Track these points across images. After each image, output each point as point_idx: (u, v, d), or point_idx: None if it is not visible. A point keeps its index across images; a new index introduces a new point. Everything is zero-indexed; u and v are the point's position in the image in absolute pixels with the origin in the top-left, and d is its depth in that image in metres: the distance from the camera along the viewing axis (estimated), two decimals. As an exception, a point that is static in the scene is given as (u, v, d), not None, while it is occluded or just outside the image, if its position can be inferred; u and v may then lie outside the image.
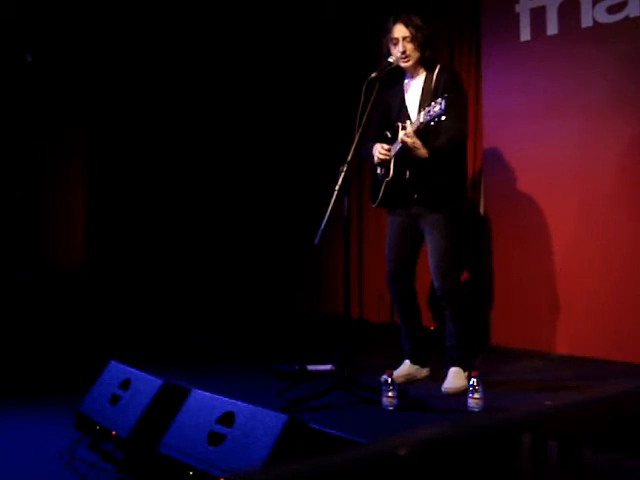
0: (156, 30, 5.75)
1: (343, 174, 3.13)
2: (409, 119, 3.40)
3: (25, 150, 5.36)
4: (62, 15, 5.33)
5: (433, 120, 3.00)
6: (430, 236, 3.38)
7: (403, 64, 3.39)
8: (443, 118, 2.97)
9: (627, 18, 3.99)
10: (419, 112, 3.30)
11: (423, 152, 3.21)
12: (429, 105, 3.02)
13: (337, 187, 3.11)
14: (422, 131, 3.18)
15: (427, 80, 3.40)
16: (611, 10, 4.05)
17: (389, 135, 3.45)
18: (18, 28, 5.20)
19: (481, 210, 4.70)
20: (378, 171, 3.51)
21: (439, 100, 2.95)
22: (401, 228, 3.50)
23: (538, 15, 4.38)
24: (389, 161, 3.39)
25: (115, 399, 3.28)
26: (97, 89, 5.61)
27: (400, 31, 3.37)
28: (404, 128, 3.26)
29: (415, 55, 3.38)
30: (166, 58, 5.85)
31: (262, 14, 5.98)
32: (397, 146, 3.30)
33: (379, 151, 3.39)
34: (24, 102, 5.31)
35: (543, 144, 4.35)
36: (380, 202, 3.50)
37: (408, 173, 3.34)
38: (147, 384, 3.21)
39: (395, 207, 3.50)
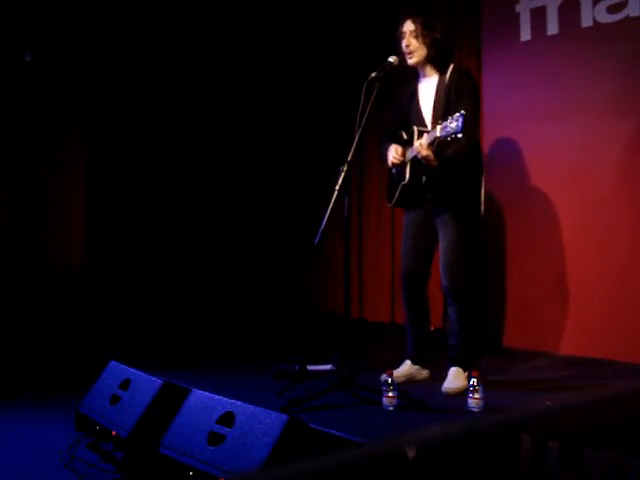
0: (155, 28, 5.75)
1: (343, 174, 3.13)
2: (423, 121, 3.41)
3: (25, 150, 5.36)
4: (62, 15, 5.33)
5: (449, 136, 3.00)
6: (442, 234, 3.40)
7: (408, 60, 3.39)
8: (460, 136, 2.96)
9: (627, 18, 3.98)
10: (433, 121, 3.31)
11: (434, 164, 3.24)
12: (446, 119, 3.01)
13: (337, 187, 3.11)
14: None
15: (440, 81, 3.41)
16: (611, 10, 4.05)
17: (405, 137, 3.47)
18: (18, 27, 5.20)
19: (481, 210, 4.70)
20: (393, 171, 3.54)
21: (456, 116, 2.93)
22: (416, 227, 3.52)
23: (538, 15, 4.37)
24: (404, 165, 3.41)
25: (115, 399, 3.28)
26: (97, 89, 5.61)
27: (407, 26, 3.40)
28: (421, 134, 3.27)
29: (420, 52, 3.38)
30: (165, 56, 5.85)
31: (261, 12, 5.98)
32: (413, 152, 3.32)
33: (393, 155, 3.43)
34: (24, 102, 5.31)
35: (543, 144, 4.35)
36: (396, 203, 3.55)
37: (424, 178, 3.36)
38: (147, 384, 3.21)
39: (411, 207, 3.54)
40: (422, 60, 3.41)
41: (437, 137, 3.09)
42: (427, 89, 3.46)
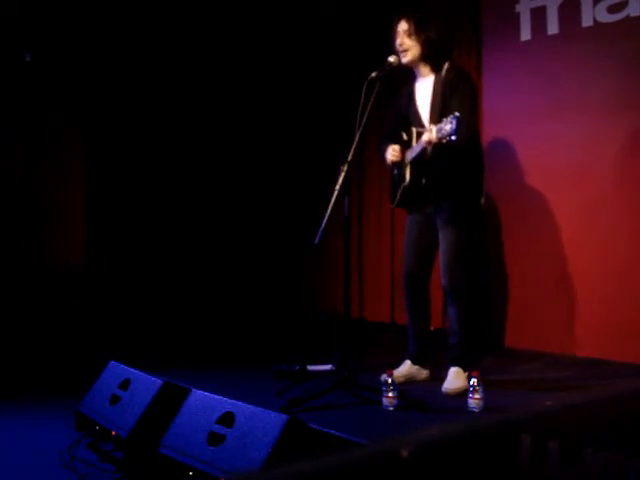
0: (155, 28, 5.75)
1: (343, 174, 3.14)
2: (421, 121, 3.42)
3: (25, 150, 5.35)
4: (62, 15, 5.33)
5: (445, 138, 2.99)
6: (441, 234, 3.41)
7: (402, 59, 3.40)
8: (453, 138, 2.95)
9: (627, 18, 3.98)
10: (431, 121, 3.32)
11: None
12: (441, 122, 3.02)
13: (337, 187, 3.11)
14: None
15: (436, 80, 3.40)
16: (611, 10, 4.05)
17: (405, 137, 3.47)
18: (18, 27, 5.20)
19: (482, 209, 4.70)
20: (395, 172, 3.54)
21: (450, 118, 2.93)
22: (418, 228, 3.53)
23: (538, 15, 4.37)
24: (405, 166, 3.41)
25: (115, 399, 3.28)
26: (97, 89, 5.61)
27: (400, 25, 3.41)
28: (420, 135, 3.28)
29: (414, 51, 3.38)
30: (165, 56, 5.85)
31: (261, 12, 5.98)
32: (413, 153, 3.32)
33: (390, 153, 3.45)
34: (24, 102, 5.31)
35: (543, 144, 4.35)
36: (398, 204, 3.57)
37: (424, 180, 3.36)
38: (147, 384, 3.21)
39: (413, 208, 3.55)
40: (416, 59, 3.41)
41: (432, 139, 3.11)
42: (424, 89, 3.46)
